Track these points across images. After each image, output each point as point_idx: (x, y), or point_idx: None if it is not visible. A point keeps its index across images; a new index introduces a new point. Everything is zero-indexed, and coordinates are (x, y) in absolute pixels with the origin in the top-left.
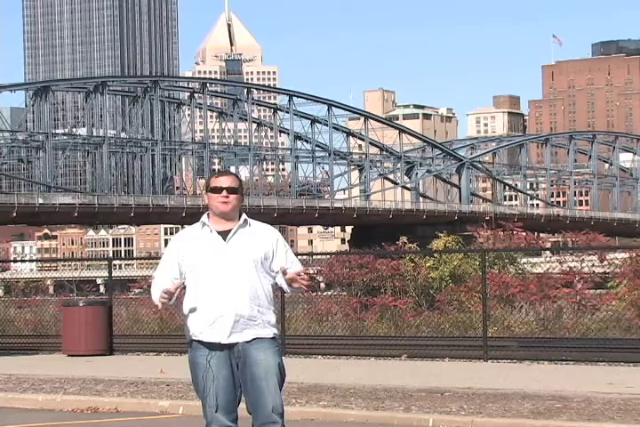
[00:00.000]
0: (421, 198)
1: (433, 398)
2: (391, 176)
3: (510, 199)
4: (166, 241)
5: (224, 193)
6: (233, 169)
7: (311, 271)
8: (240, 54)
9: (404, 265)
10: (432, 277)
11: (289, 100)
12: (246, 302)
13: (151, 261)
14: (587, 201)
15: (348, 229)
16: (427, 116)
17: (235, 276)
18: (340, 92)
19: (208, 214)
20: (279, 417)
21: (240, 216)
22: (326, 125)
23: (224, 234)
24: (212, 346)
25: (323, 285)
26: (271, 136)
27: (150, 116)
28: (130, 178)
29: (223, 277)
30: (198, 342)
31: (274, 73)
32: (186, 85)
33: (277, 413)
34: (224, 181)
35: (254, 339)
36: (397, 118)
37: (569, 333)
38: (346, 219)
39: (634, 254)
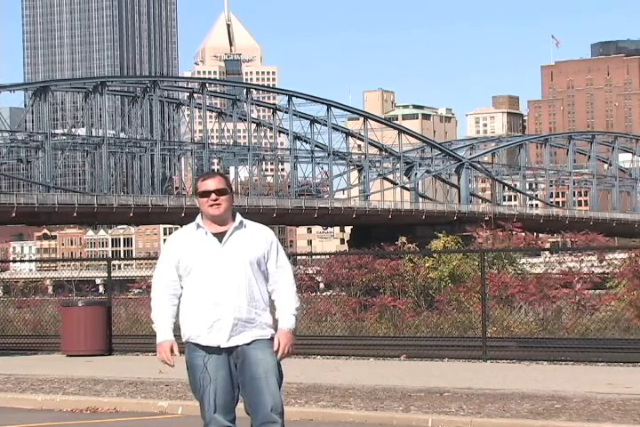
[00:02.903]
0: (420, 199)
1: (432, 399)
2: (390, 176)
3: (509, 199)
4: (165, 241)
5: (213, 196)
6: (232, 169)
7: (310, 272)
8: (239, 54)
9: (403, 265)
10: (431, 277)
11: (288, 101)
12: (244, 305)
13: (150, 261)
14: (586, 201)
15: (348, 229)
16: (426, 117)
17: (232, 278)
18: (339, 92)
19: (202, 216)
20: (279, 417)
21: (234, 217)
22: (325, 126)
23: (219, 236)
24: (210, 349)
25: (322, 285)
26: (270, 136)
27: (149, 116)
28: (129, 178)
29: (220, 279)
30: (195, 344)
31: (273, 73)
32: (185, 86)
33: (277, 412)
34: (211, 185)
35: (253, 341)
36: (397, 118)
37: (568, 333)
38: (345, 219)
39: (633, 255)
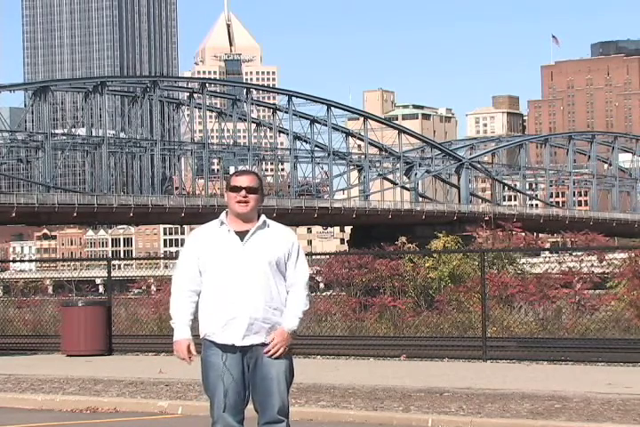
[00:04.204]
0: (420, 198)
1: (432, 399)
2: (390, 176)
3: (509, 199)
4: (165, 241)
5: (243, 193)
6: (232, 169)
7: (310, 272)
8: (239, 54)
9: (403, 265)
10: (431, 277)
11: (288, 101)
12: (261, 305)
13: (150, 261)
14: (586, 201)
15: (348, 229)
16: (426, 117)
17: (250, 277)
18: (339, 92)
19: (227, 212)
20: (285, 417)
21: (259, 217)
22: (325, 126)
23: (242, 234)
24: (225, 347)
25: (322, 285)
26: (270, 136)
27: (149, 116)
28: (129, 178)
29: (238, 278)
30: (211, 342)
31: (273, 73)
32: (185, 86)
33: (283, 413)
34: (243, 181)
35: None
36: (397, 118)
37: (568, 333)
38: (345, 219)
39: (633, 255)
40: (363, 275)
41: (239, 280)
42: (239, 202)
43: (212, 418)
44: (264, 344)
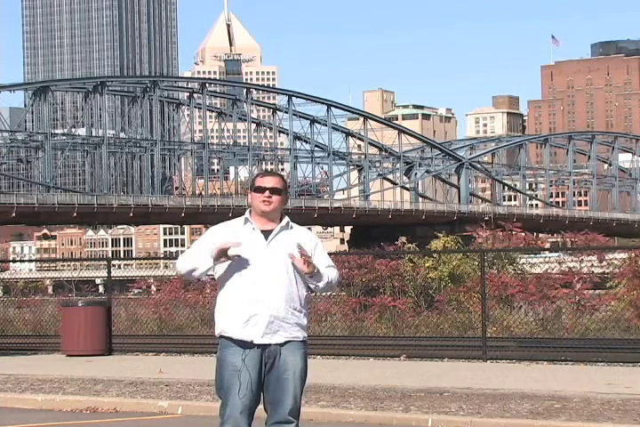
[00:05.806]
0: (420, 198)
1: (432, 399)
2: (390, 176)
3: (509, 199)
4: (165, 241)
5: (267, 193)
6: (232, 169)
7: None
8: (239, 54)
9: (403, 265)
10: (431, 277)
11: (288, 101)
12: (282, 304)
13: (150, 261)
14: (586, 201)
15: (348, 229)
16: (426, 117)
17: (273, 276)
18: (339, 92)
19: (250, 211)
20: (295, 418)
21: (282, 218)
22: (325, 126)
23: (266, 233)
24: (244, 345)
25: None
26: (270, 136)
27: (149, 116)
28: (129, 178)
29: (261, 276)
30: (229, 339)
31: (273, 73)
32: (185, 86)
33: (294, 415)
34: (268, 182)
35: (286, 342)
36: (397, 118)
37: (568, 333)
38: (345, 219)
39: (633, 255)
40: (363, 275)
41: (262, 278)
42: (263, 201)
43: (220, 418)
44: (282, 343)
